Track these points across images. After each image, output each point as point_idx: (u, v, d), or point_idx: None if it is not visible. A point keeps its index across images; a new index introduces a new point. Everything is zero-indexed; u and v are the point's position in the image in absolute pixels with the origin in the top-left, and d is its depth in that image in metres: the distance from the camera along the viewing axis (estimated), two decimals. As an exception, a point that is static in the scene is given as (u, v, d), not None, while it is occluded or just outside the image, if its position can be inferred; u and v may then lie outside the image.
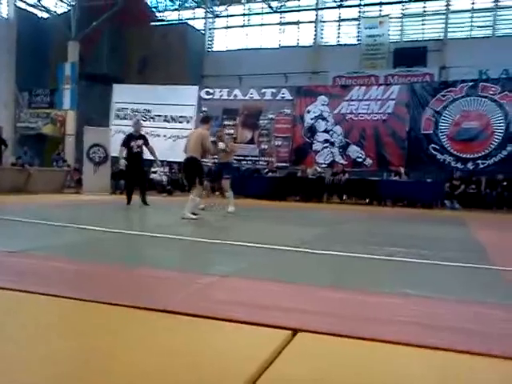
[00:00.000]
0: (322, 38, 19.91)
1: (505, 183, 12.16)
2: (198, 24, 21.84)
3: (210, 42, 21.84)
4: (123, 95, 16.54)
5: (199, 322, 2.21)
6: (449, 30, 18.12)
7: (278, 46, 20.42)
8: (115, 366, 1.69)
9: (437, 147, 13.20)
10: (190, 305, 2.45)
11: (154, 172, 14.95)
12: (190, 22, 21.70)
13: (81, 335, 2.04)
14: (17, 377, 1.55)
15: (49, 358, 1.76)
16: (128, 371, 1.64)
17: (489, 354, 1.89)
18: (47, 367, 1.67)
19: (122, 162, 9.30)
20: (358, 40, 19.07)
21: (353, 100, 14.21)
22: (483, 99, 12.89)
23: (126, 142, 9.28)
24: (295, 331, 2.07)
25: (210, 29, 21.88)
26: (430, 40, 18.11)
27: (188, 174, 7.35)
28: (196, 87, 16.14)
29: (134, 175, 9.36)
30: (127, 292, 2.71)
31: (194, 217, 6.86)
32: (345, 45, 19.29)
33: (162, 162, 15.11)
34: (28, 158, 15.50)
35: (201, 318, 2.24)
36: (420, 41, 18.33)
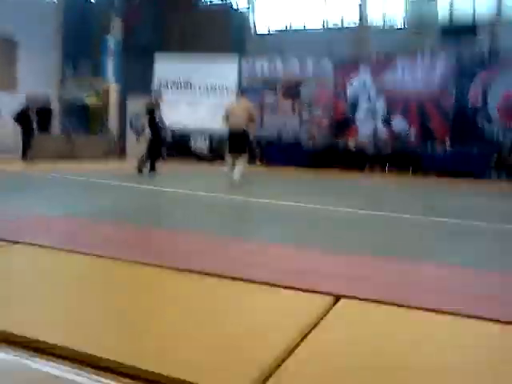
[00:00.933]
0: (367, 18, 18.93)
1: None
2: (242, 3, 21.31)
3: (253, 23, 21.32)
4: (165, 65, 16.62)
5: (239, 285, 2.22)
6: (501, 6, 17.04)
7: (321, 27, 19.73)
8: (150, 324, 1.72)
9: (484, 119, 12.66)
10: (230, 268, 2.47)
11: (195, 141, 15.09)
12: (233, 1, 21.26)
13: (124, 293, 2.09)
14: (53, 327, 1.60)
15: (81, 310, 1.82)
16: (165, 330, 1.66)
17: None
18: (80, 318, 1.72)
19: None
20: (405, 19, 18.10)
21: (397, 71, 13.72)
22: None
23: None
24: (338, 297, 2.05)
25: (253, 10, 21.33)
26: (479, 17, 17.07)
27: (238, 144, 7.52)
28: (236, 57, 15.97)
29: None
30: (172, 254, 2.76)
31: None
32: (390, 26, 18.34)
33: (202, 131, 15.28)
34: (79, 126, 15.99)
35: (241, 282, 2.25)
36: (469, 18, 17.31)
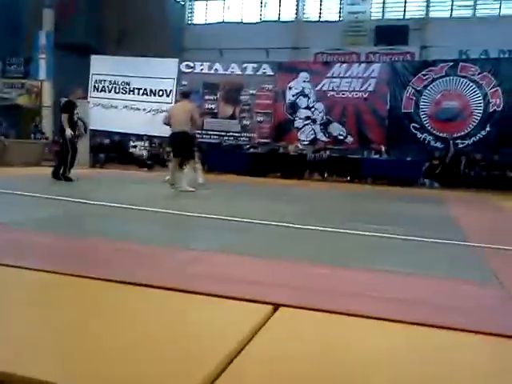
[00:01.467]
0: (303, 13, 19.65)
1: (483, 163, 12.36)
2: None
3: (190, 15, 21.36)
4: (101, 67, 16.15)
5: (178, 297, 2.21)
6: (430, 8, 18.10)
7: (259, 20, 20.10)
8: (88, 339, 1.67)
9: (417, 126, 13.29)
10: (169, 279, 2.45)
11: (134, 146, 14.77)
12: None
13: (56, 307, 2.01)
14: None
15: (25, 329, 1.74)
16: (103, 345, 1.63)
17: (462, 328, 1.94)
18: (24, 339, 1.65)
19: None
20: (340, 16, 18.92)
21: (334, 77, 14.14)
22: (463, 79, 12.97)
23: None
24: (276, 306, 2.08)
25: (190, 0, 21.37)
26: (411, 19, 18.04)
27: (180, 148, 7.35)
28: (176, 60, 15.81)
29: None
30: (105, 266, 2.69)
31: (191, 189, 7.16)
32: (326, 21, 19.11)
33: (141, 136, 14.97)
34: (3, 129, 15.07)
35: (180, 292, 2.24)
36: (402, 19, 18.25)
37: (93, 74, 16.21)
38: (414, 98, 13.38)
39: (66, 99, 8.92)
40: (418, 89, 13.32)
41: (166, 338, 1.72)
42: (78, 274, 2.43)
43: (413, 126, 13.33)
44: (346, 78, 14.03)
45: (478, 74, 12.80)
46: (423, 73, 13.34)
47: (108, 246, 3.29)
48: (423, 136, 13.25)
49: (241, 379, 1.42)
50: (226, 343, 1.64)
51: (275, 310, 2.05)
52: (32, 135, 15.33)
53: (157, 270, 2.68)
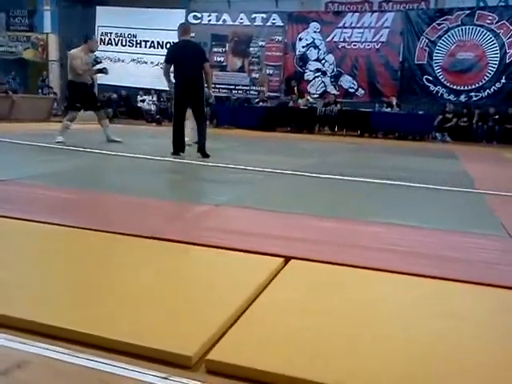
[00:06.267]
0: None
1: (496, 117, 12.13)
2: None
3: None
4: (107, 19, 15.80)
5: (190, 249, 2.24)
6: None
7: None
8: (104, 290, 1.72)
9: (430, 78, 13.00)
10: (182, 232, 2.49)
11: (142, 101, 14.64)
12: None
13: (73, 261, 2.07)
14: (13, 300, 1.58)
15: (38, 282, 1.79)
16: (115, 294, 1.67)
17: (469, 280, 1.96)
18: (42, 290, 1.70)
19: None
20: None
21: (346, 27, 13.74)
22: (479, 28, 12.54)
23: None
24: (287, 259, 2.12)
25: None
26: None
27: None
28: (183, 11, 15.39)
29: None
30: (117, 219, 2.73)
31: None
32: None
33: (149, 90, 14.81)
34: (16, 84, 14.99)
35: (192, 245, 2.27)
36: None
37: (99, 27, 15.88)
38: (428, 49, 13.01)
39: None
40: (432, 39, 12.93)
41: (179, 288, 1.77)
42: (90, 228, 2.47)
43: (426, 78, 13.03)
44: (358, 28, 13.64)
45: (496, 22, 12.36)
46: (438, 22, 12.90)
47: (120, 199, 3.32)
48: (436, 88, 12.97)
49: (254, 328, 1.46)
50: (239, 294, 1.68)
51: (286, 262, 2.09)
52: (39, 90, 15.22)
53: (169, 223, 2.72)
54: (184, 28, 6.33)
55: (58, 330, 1.38)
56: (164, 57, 6.35)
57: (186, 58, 5.88)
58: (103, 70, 7.50)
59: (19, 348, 1.31)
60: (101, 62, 7.84)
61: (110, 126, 7.86)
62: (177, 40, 6.24)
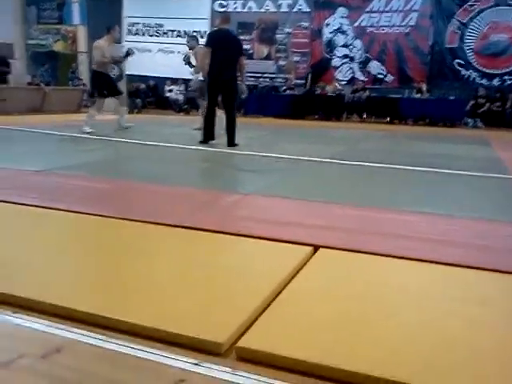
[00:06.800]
0: None
1: (531, 101, 11.73)
2: None
3: None
4: (134, 9, 15.91)
5: (221, 238, 2.27)
6: None
7: None
8: (137, 279, 1.75)
9: (461, 62, 12.62)
10: (212, 221, 2.51)
11: (170, 91, 14.73)
12: None
13: (108, 250, 2.12)
14: (51, 287, 1.63)
15: (75, 270, 1.85)
16: (150, 283, 1.70)
17: (496, 269, 1.93)
18: (79, 278, 1.76)
19: None
20: None
21: (373, 12, 13.44)
22: (514, 8, 12.10)
23: None
24: (316, 247, 2.12)
25: None
26: None
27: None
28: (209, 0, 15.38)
29: None
30: (149, 209, 2.78)
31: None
32: None
33: (176, 80, 14.88)
34: (48, 76, 15.32)
35: (222, 234, 2.30)
36: None
37: (125, 17, 16.01)
38: (459, 32, 12.62)
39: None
40: (464, 21, 12.52)
41: (210, 277, 1.79)
42: (123, 217, 2.53)
43: (457, 63, 12.66)
44: (386, 12, 13.32)
45: (532, 1, 11.89)
46: (470, 3, 12.48)
47: (151, 188, 3.38)
48: (468, 73, 12.59)
49: (283, 316, 1.48)
50: (269, 282, 1.70)
51: (315, 251, 2.09)
52: (70, 82, 15.50)
53: (199, 212, 2.75)
54: (224, 17, 6.53)
55: (95, 316, 1.42)
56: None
57: (224, 48, 5.92)
58: (128, 52, 7.71)
59: (57, 333, 1.36)
60: (133, 53, 7.95)
61: (125, 117, 7.94)
62: (204, 28, 6.31)
